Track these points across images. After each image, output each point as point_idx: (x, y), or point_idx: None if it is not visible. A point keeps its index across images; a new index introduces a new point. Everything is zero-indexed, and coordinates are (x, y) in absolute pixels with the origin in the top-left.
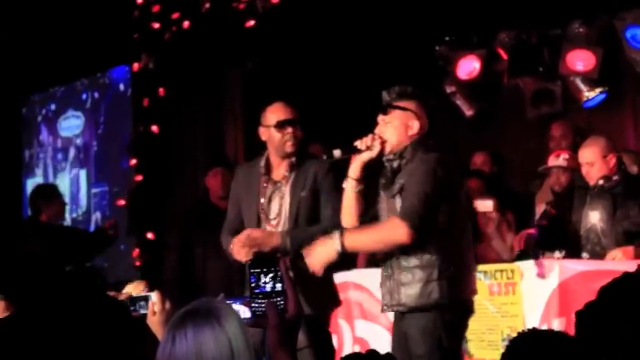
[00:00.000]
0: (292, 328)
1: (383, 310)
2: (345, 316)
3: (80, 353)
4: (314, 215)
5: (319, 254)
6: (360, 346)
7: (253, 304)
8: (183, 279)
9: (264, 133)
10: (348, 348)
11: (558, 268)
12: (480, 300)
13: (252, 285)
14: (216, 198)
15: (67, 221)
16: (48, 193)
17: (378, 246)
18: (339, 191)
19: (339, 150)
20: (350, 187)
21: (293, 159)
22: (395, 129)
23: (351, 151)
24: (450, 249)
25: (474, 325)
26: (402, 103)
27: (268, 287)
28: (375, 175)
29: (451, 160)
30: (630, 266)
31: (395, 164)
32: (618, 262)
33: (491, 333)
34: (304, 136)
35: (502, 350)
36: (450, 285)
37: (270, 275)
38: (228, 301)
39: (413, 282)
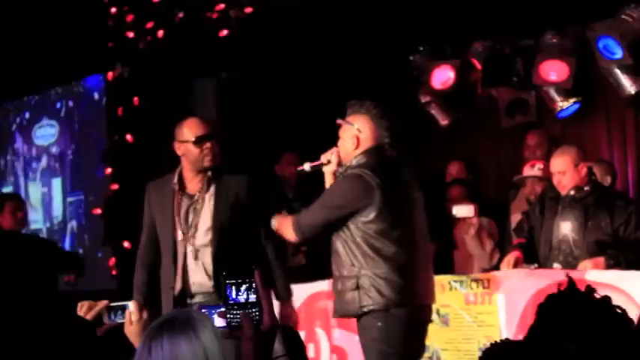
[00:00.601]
0: (267, 339)
1: (333, 316)
2: (322, 325)
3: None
4: (235, 228)
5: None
6: (337, 355)
7: (229, 315)
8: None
9: (179, 148)
10: (325, 356)
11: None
12: (456, 309)
13: (228, 296)
14: None
15: (43, 231)
16: None
17: (282, 235)
18: (267, 212)
19: (308, 163)
20: None
21: (209, 173)
22: (343, 143)
23: (318, 164)
24: (383, 258)
25: (450, 334)
26: (349, 119)
27: (242, 298)
28: None
29: (378, 175)
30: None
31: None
32: (590, 272)
33: (468, 342)
34: (223, 149)
35: None
36: (383, 291)
37: (245, 286)
38: (203, 310)
39: (343, 291)
